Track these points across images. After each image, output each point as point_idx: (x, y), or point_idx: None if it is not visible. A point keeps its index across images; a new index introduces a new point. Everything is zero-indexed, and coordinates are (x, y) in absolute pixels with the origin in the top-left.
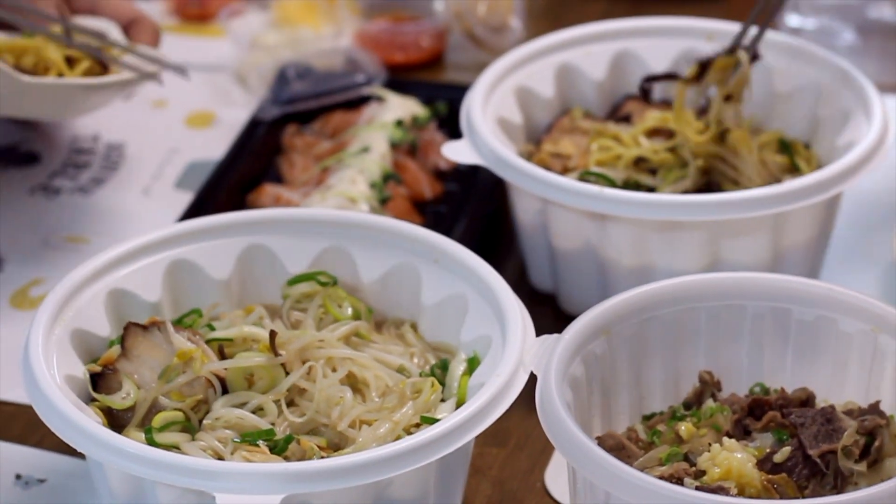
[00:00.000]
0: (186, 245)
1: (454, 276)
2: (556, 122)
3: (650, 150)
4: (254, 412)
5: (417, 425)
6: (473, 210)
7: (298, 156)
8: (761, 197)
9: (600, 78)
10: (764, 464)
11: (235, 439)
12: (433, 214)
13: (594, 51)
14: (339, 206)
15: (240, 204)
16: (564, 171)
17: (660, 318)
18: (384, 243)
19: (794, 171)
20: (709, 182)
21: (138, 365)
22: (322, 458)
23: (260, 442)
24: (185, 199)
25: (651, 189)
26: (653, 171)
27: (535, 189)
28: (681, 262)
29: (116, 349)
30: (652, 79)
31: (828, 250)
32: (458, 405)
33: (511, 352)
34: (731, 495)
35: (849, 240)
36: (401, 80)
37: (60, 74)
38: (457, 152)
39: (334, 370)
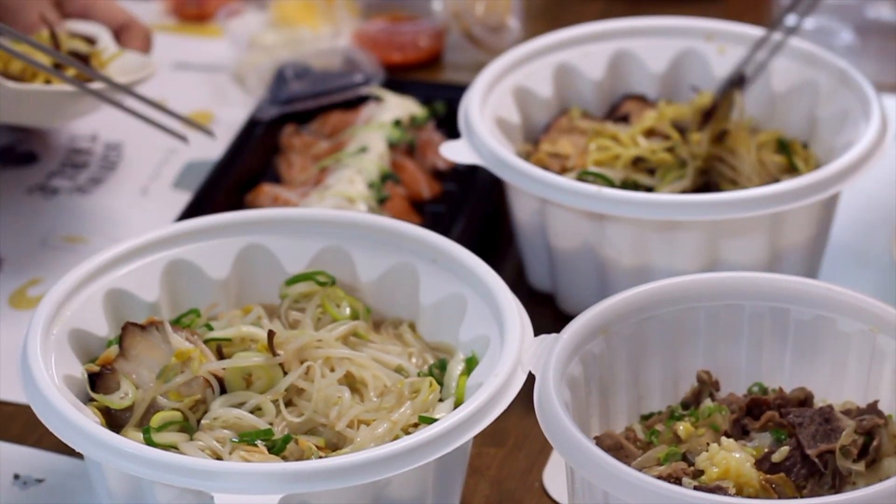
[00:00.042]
0: (184, 245)
1: (452, 276)
2: (554, 121)
3: (648, 150)
4: (252, 412)
5: (416, 425)
6: (472, 210)
7: (296, 156)
8: (759, 197)
9: (598, 78)
10: (762, 463)
11: (234, 439)
12: (431, 214)
13: (592, 51)
14: (337, 206)
15: (238, 204)
16: (562, 171)
17: (658, 317)
18: (382, 243)
19: (793, 170)
20: (707, 182)
21: (136, 365)
22: (320, 457)
23: (258, 442)
24: (183, 199)
25: (649, 189)
26: (651, 171)
27: (534, 189)
28: (679, 261)
29: (114, 349)
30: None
31: (826, 250)
32: (457, 405)
33: (509, 352)
34: (730, 495)
35: (847, 240)
36: (399, 79)
37: (48, 81)
38: (455, 152)
39: (332, 370)
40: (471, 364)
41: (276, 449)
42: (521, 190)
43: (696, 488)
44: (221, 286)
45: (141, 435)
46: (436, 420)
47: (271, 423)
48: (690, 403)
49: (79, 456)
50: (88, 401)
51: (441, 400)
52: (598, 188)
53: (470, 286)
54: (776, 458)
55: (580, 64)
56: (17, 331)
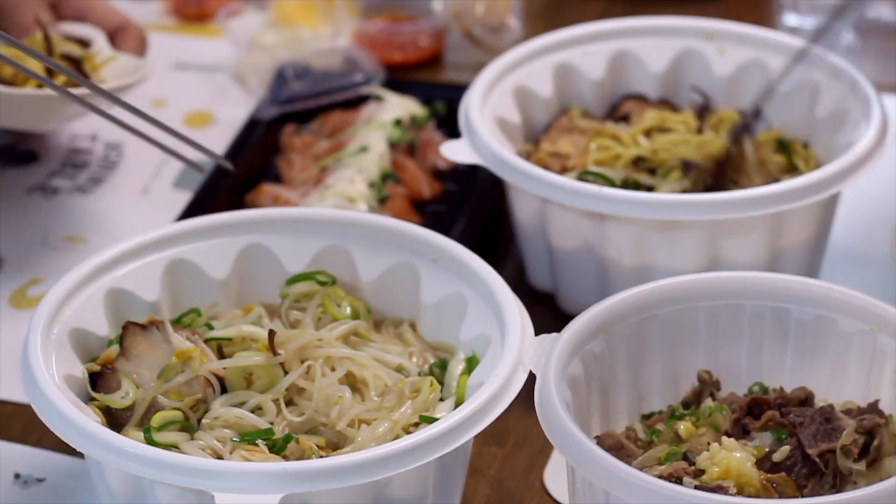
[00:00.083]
0: (185, 244)
1: (453, 276)
2: (554, 121)
3: (649, 150)
4: (252, 411)
5: (416, 424)
6: (472, 209)
7: (297, 155)
8: (760, 196)
9: (599, 77)
10: (763, 463)
11: (234, 438)
12: (432, 214)
13: (592, 50)
14: (337, 206)
15: (238, 203)
16: (563, 171)
17: (659, 317)
18: (383, 243)
19: (793, 170)
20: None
21: (137, 364)
22: (321, 457)
23: (259, 441)
24: (184, 198)
25: (650, 188)
26: (651, 171)
27: (534, 188)
28: (680, 261)
29: (115, 348)
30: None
31: (827, 250)
32: (457, 404)
33: (510, 351)
34: (730, 494)
35: (848, 239)
36: (399, 79)
37: (40, 85)
38: (455, 152)
39: (333, 369)
40: (471, 363)
41: (277, 448)
42: (521, 189)
43: (696, 488)
44: (222, 286)
45: (142, 434)
46: (436, 419)
47: (272, 423)
48: (691, 403)
49: (79, 455)
50: (89, 400)
51: (442, 399)
52: (599, 188)
53: (470, 286)
54: (777, 457)
55: (580, 64)
56: (18, 330)
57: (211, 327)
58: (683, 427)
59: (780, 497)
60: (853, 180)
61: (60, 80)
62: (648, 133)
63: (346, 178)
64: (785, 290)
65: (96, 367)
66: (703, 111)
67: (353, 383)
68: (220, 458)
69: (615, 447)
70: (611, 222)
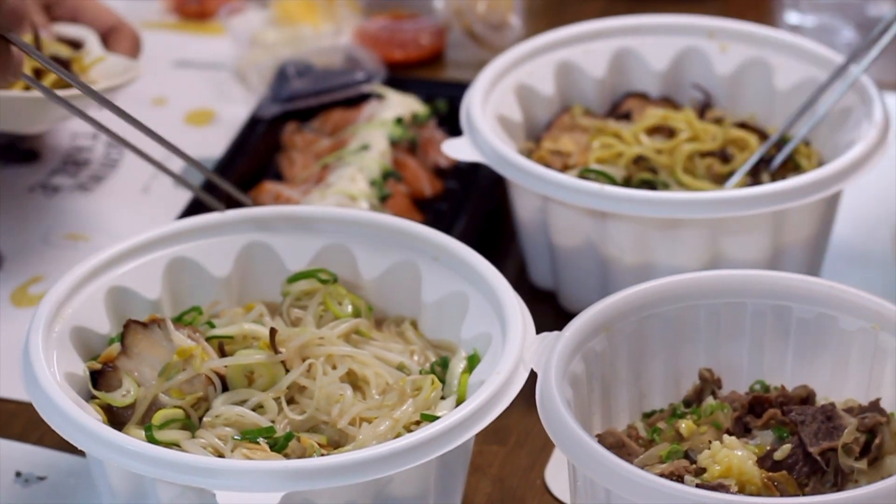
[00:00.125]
0: (186, 242)
1: (454, 274)
2: (556, 119)
3: (651, 149)
4: (254, 410)
5: (418, 423)
6: (473, 207)
7: (298, 153)
8: (761, 195)
9: (600, 75)
10: (764, 461)
11: (236, 437)
12: (433, 212)
13: (594, 48)
14: (339, 204)
15: (239, 202)
16: (564, 169)
17: (660, 315)
18: (384, 241)
19: (795, 168)
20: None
21: (138, 362)
22: (322, 455)
23: (260, 439)
24: (185, 196)
25: (652, 186)
26: (653, 170)
27: (536, 186)
28: (681, 259)
29: (116, 347)
30: None
31: (828, 248)
32: (459, 403)
33: (511, 349)
34: (732, 493)
35: (849, 237)
36: (400, 77)
37: (27, 87)
38: (457, 150)
39: (334, 368)
40: (473, 362)
41: (278, 447)
42: (522, 187)
43: (698, 486)
44: (223, 284)
45: (143, 433)
46: (438, 418)
47: (273, 421)
48: (692, 401)
49: (81, 454)
50: (90, 398)
51: (443, 398)
52: (601, 186)
53: (472, 284)
54: (778, 455)
55: (582, 62)
56: (19, 329)
57: (212, 325)
58: (685, 425)
59: (782, 495)
60: (854, 179)
61: (48, 81)
62: (650, 131)
63: (347, 177)
64: (786, 289)
65: (97, 366)
66: (705, 109)
67: (354, 381)
68: (221, 456)
69: (616, 445)
70: (612, 220)
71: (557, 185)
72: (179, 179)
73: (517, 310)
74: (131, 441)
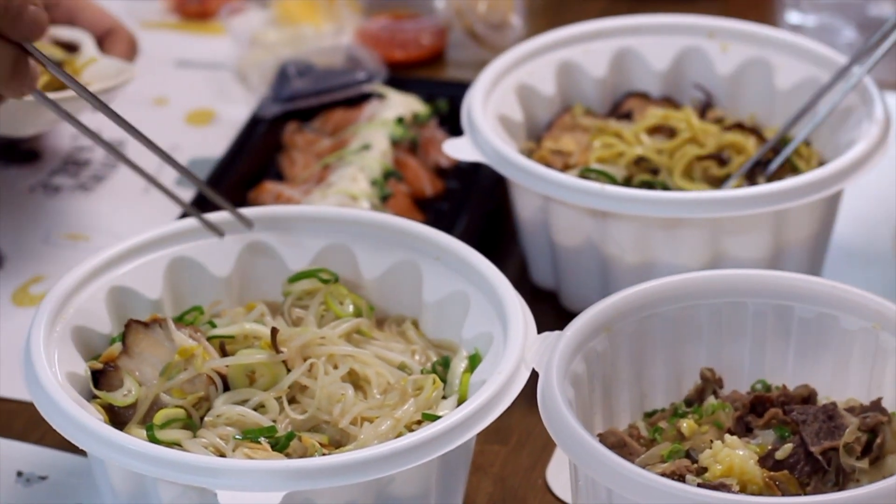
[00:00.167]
0: (187, 242)
1: (455, 274)
2: (556, 119)
3: (652, 150)
4: (255, 409)
5: (419, 422)
6: (474, 207)
7: (299, 153)
8: (762, 194)
9: (601, 75)
10: (766, 461)
11: (237, 436)
12: (434, 212)
13: (595, 48)
14: (340, 204)
15: (241, 201)
16: (565, 169)
17: (661, 315)
18: (385, 241)
19: (795, 168)
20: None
21: (140, 362)
22: (323, 455)
23: (261, 439)
24: (187, 196)
25: (652, 186)
26: (654, 171)
27: (537, 186)
28: (682, 259)
29: (118, 346)
30: None
31: (829, 247)
32: (460, 402)
33: (512, 349)
34: (733, 492)
35: (850, 237)
36: (401, 77)
37: None
38: (458, 149)
39: (336, 367)
40: (474, 361)
41: (280, 446)
42: (523, 187)
43: (699, 485)
44: (224, 283)
45: (144, 432)
46: (439, 417)
47: (274, 421)
48: (694, 401)
49: (82, 453)
50: (91, 398)
51: (444, 397)
52: (602, 185)
53: (473, 283)
54: (780, 455)
55: (583, 61)
56: (20, 328)
57: (213, 325)
58: (686, 425)
59: (783, 495)
60: (855, 178)
61: (40, 84)
62: (651, 131)
63: (348, 176)
64: (787, 288)
65: (99, 365)
66: (705, 109)
67: (355, 381)
68: (222, 455)
69: (618, 445)
70: (613, 220)
71: (558, 184)
72: (172, 196)
73: (518, 309)
74: (133, 441)
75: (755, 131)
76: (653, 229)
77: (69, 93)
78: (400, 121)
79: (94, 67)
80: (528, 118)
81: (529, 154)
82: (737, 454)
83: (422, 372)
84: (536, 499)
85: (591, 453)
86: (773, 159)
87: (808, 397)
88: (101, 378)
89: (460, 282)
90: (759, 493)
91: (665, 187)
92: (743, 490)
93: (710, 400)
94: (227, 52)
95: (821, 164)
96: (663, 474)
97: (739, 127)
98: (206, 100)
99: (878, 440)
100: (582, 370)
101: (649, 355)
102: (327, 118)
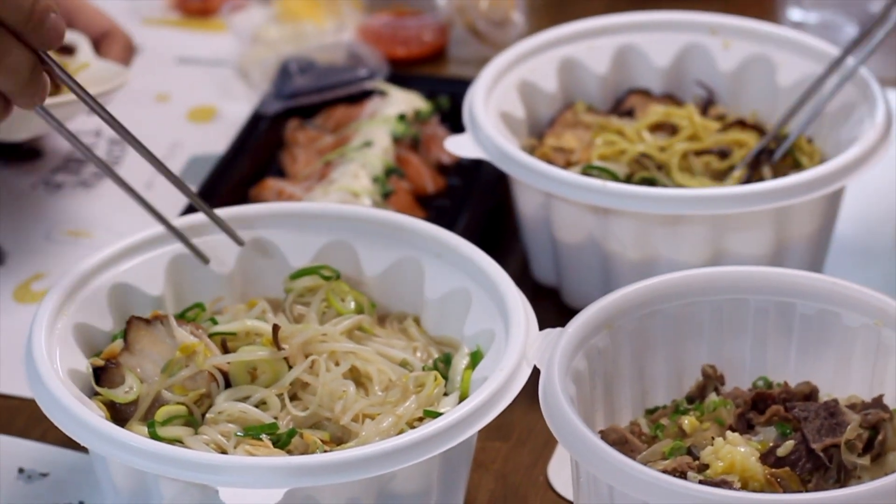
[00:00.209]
0: (190, 238)
1: (457, 271)
2: (558, 116)
3: (654, 147)
4: (257, 406)
5: (420, 419)
6: (476, 204)
7: (301, 150)
8: (764, 191)
9: (603, 72)
10: (767, 458)
11: (238, 433)
12: (436, 209)
13: (597, 45)
14: (341, 201)
15: (242, 198)
16: (567, 166)
17: (663, 312)
18: (387, 237)
19: (797, 165)
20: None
21: (141, 359)
22: (325, 451)
23: (263, 436)
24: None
25: (653, 182)
26: (658, 166)
27: (538, 183)
28: (684, 255)
29: (119, 343)
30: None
31: (831, 244)
32: (461, 399)
33: (514, 346)
34: (735, 489)
35: (852, 234)
36: (403, 74)
37: None
38: (459, 146)
39: (337, 364)
40: (475, 358)
41: (281, 443)
42: (525, 184)
43: (701, 482)
44: (226, 280)
45: (146, 429)
46: (441, 414)
47: (276, 417)
48: (695, 398)
49: (83, 450)
50: (93, 395)
51: (446, 394)
52: (603, 182)
53: (474, 280)
54: (781, 452)
55: (585, 58)
56: (22, 325)
57: (215, 322)
58: (687, 422)
59: (785, 492)
60: (857, 175)
61: None
62: (653, 128)
63: (349, 173)
64: (789, 285)
65: (100, 362)
66: (707, 106)
67: (357, 378)
68: (224, 452)
69: (619, 442)
70: (615, 217)
71: (560, 181)
72: (159, 218)
73: (520, 306)
74: (134, 437)
75: (757, 128)
76: (654, 226)
77: (63, 98)
78: (402, 118)
79: (89, 71)
80: (530, 115)
81: (531, 151)
82: (738, 451)
83: (423, 369)
84: (538, 496)
85: (592, 450)
86: (777, 148)
87: (810, 394)
88: (103, 375)
89: (462, 279)
90: (761, 490)
91: (666, 184)
92: (744, 487)
93: (712, 397)
94: (228, 49)
95: (823, 161)
96: (665, 471)
97: (741, 124)
98: (207, 97)
99: (880, 437)
100: (583, 367)
101: (651, 352)
102: (329, 115)
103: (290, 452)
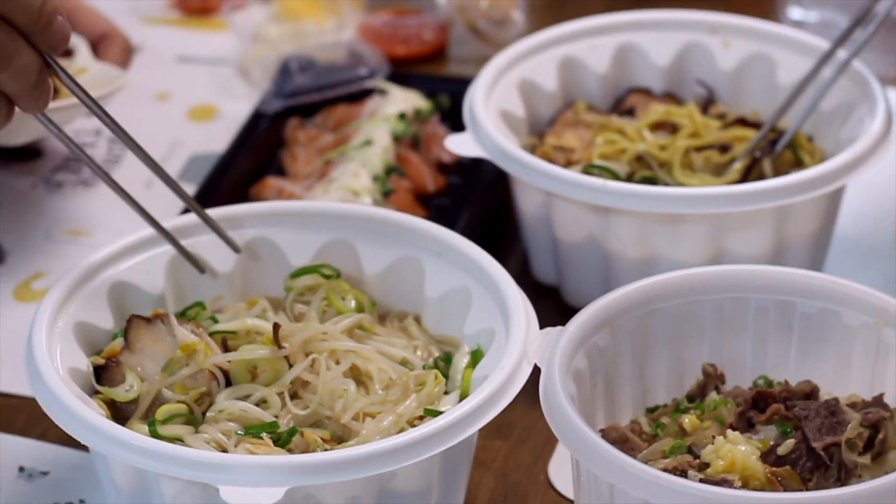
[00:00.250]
0: (189, 238)
1: (457, 269)
2: (559, 115)
3: (655, 145)
4: (257, 405)
5: (421, 418)
6: (476, 203)
7: (301, 149)
8: (765, 190)
9: (603, 71)
10: (768, 456)
11: (239, 432)
12: (436, 207)
13: (597, 44)
14: (341, 199)
15: (242, 197)
16: (568, 164)
17: (663, 310)
18: (387, 236)
19: (798, 164)
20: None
21: (141, 357)
22: (325, 450)
23: (263, 434)
24: (188, 191)
25: (654, 181)
26: (660, 164)
27: (539, 182)
28: (684, 254)
29: (120, 342)
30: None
31: (831, 243)
32: (462, 398)
33: (514, 344)
34: (735, 488)
35: (852, 233)
36: (403, 73)
37: None
38: (460, 145)
39: (338, 363)
40: (476, 357)
41: (282, 441)
42: (526, 183)
43: (701, 481)
44: (226, 279)
45: (146, 427)
46: (441, 413)
47: (276, 416)
48: (696, 396)
49: (84, 449)
50: (94, 393)
51: (446, 393)
52: (604, 181)
53: (475, 279)
54: (782, 450)
55: (585, 57)
56: (22, 324)
57: (215, 320)
58: (688, 420)
59: (785, 490)
60: (858, 174)
61: None
62: (653, 127)
63: (350, 172)
64: (789, 284)
65: (101, 361)
66: (708, 104)
67: (357, 376)
68: (224, 451)
69: (620, 440)
70: (615, 216)
71: (560, 180)
72: (162, 231)
73: (520, 305)
74: (135, 436)
75: (758, 126)
76: (654, 225)
77: (64, 102)
78: (402, 116)
79: (86, 75)
80: (531, 114)
81: (531, 150)
82: (739, 450)
83: (424, 367)
84: (538, 494)
85: (593, 449)
86: (778, 141)
87: (810, 393)
88: (103, 373)
89: (462, 277)
90: (761, 489)
91: (667, 183)
92: (745, 486)
93: (712, 395)
94: (229, 48)
95: (823, 159)
96: (665, 470)
97: (742, 122)
98: (207, 95)
99: (880, 436)
100: (584, 366)
101: (651, 351)
102: (329, 114)
103: (290, 451)
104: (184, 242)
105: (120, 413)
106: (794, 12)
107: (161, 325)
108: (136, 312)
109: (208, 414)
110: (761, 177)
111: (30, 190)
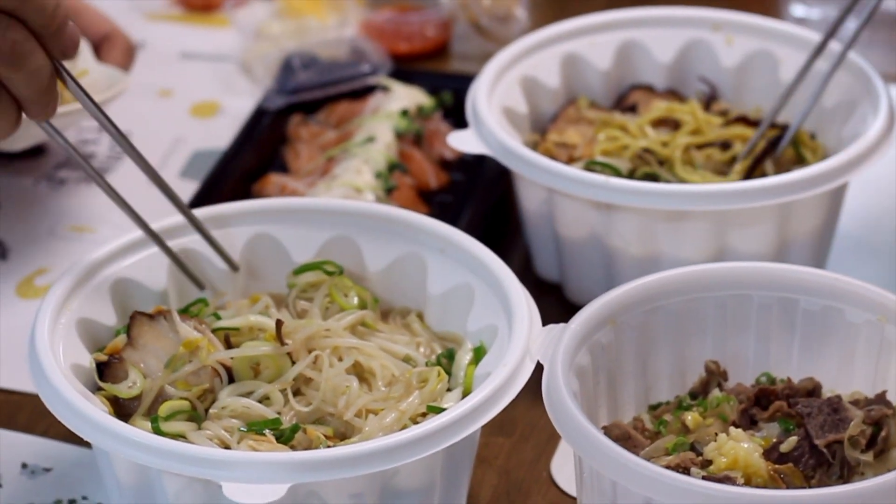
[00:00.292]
0: (192, 234)
1: (460, 266)
2: (561, 111)
3: (657, 142)
4: (260, 401)
5: (424, 415)
6: (479, 200)
7: (304, 145)
8: (767, 187)
9: (606, 68)
10: (770, 453)
11: (242, 428)
12: (439, 204)
13: (600, 40)
14: (344, 196)
15: (245, 194)
16: (570, 161)
17: (666, 307)
18: (390, 233)
19: (800, 161)
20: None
21: (144, 354)
22: (328, 447)
23: (266, 431)
24: (191, 188)
25: (656, 178)
26: (659, 162)
27: (541, 178)
28: (687, 251)
29: (122, 338)
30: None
31: (834, 240)
32: (465, 395)
33: (517, 341)
34: (738, 485)
35: (855, 230)
36: (406, 69)
37: None
38: (462, 142)
39: (340, 359)
40: (479, 354)
41: (285, 438)
42: (528, 180)
43: (704, 478)
44: (229, 275)
45: (149, 424)
46: (444, 410)
47: (279, 413)
48: (698, 393)
49: (87, 445)
50: (96, 390)
51: (449, 390)
52: (606, 178)
53: (478, 276)
54: (784, 448)
55: (587, 54)
56: (25, 320)
57: (218, 317)
58: (691, 417)
59: (788, 487)
60: (860, 171)
61: None
62: (655, 123)
63: (352, 169)
64: (792, 281)
65: (103, 357)
66: (710, 101)
67: (360, 373)
68: (227, 447)
69: (622, 437)
70: (618, 212)
71: (563, 177)
72: (163, 245)
73: (523, 302)
74: (137, 432)
75: (758, 125)
76: (657, 222)
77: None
78: (404, 113)
79: (88, 77)
80: (533, 111)
81: (534, 146)
82: (741, 447)
83: (426, 364)
84: (541, 491)
85: (595, 446)
86: (781, 140)
87: (813, 390)
88: (106, 370)
89: (465, 274)
90: (764, 486)
91: (669, 180)
92: (748, 483)
93: (715, 393)
94: (231, 45)
95: (826, 156)
96: (668, 467)
97: (744, 120)
98: (210, 92)
99: (883, 433)
100: (587, 363)
101: (654, 348)
102: (332, 110)
103: (293, 448)
104: (189, 238)
105: (122, 410)
106: (797, 9)
107: (164, 321)
108: (139, 309)
109: (211, 410)
110: (763, 174)
111: (33, 186)
